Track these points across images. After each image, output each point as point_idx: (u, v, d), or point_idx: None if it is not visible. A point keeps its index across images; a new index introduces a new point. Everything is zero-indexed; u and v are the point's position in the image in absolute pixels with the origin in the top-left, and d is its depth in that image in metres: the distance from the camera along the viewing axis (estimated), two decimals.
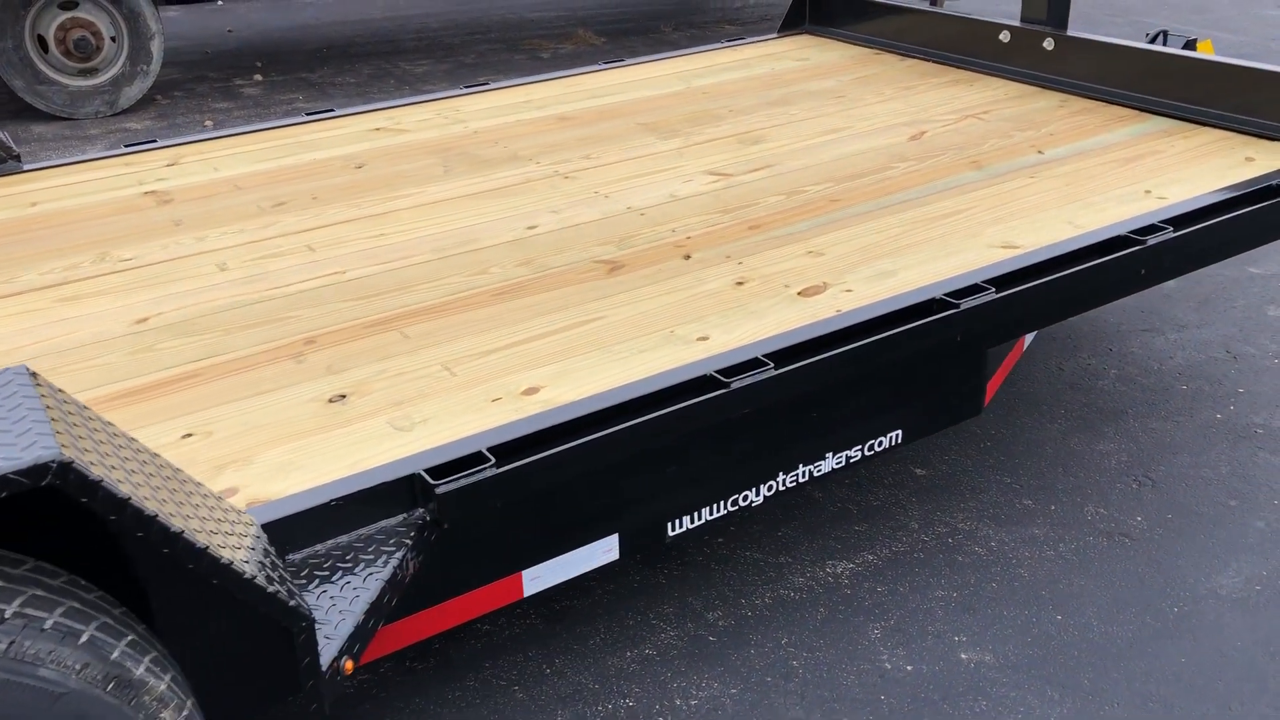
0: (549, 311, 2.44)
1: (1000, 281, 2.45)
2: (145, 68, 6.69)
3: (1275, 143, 3.26)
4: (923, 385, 2.53)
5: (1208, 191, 2.90)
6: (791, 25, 4.87)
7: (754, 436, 2.28)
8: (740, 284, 2.53)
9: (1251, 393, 3.53)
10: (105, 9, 6.48)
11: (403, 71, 7.89)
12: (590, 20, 9.37)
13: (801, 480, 2.41)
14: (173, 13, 9.69)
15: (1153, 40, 4.43)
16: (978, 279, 2.46)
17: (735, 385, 2.09)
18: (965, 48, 4.20)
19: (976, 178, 3.11)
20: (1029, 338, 2.92)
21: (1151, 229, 2.67)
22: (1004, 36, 4.04)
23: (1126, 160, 3.20)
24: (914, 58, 4.36)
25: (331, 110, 3.94)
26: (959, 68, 4.19)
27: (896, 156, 3.30)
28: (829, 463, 2.43)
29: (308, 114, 3.91)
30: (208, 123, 6.57)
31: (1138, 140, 3.37)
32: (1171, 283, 4.35)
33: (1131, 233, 2.65)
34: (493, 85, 4.19)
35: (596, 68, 4.41)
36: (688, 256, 2.69)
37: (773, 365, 2.14)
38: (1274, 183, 2.91)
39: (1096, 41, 3.78)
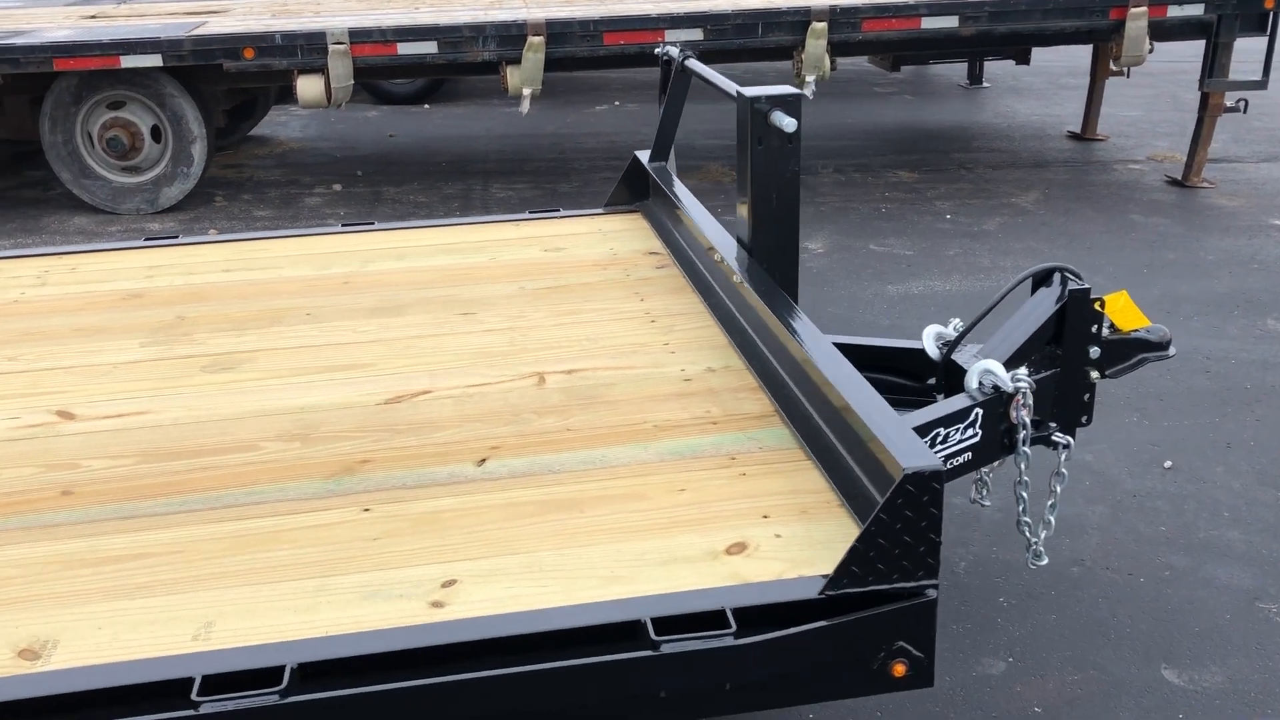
0: None
1: None
2: (186, 169, 6.70)
3: (838, 514, 1.80)
4: None
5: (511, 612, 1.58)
6: (634, 198, 3.76)
7: None
8: None
9: None
10: (151, 110, 6.57)
11: (488, 193, 7.40)
12: None
13: None
14: (373, 113, 10.05)
15: (1041, 280, 2.85)
16: None
17: None
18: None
19: (248, 498, 1.96)
20: None
21: None
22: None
23: (564, 505, 1.90)
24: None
25: None
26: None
27: (287, 434, 2.19)
28: None
29: None
30: (212, 231, 6.44)
31: (664, 465, 2.02)
32: None
33: None
34: (135, 244, 3.50)
35: (298, 232, 3.58)
36: None
37: None
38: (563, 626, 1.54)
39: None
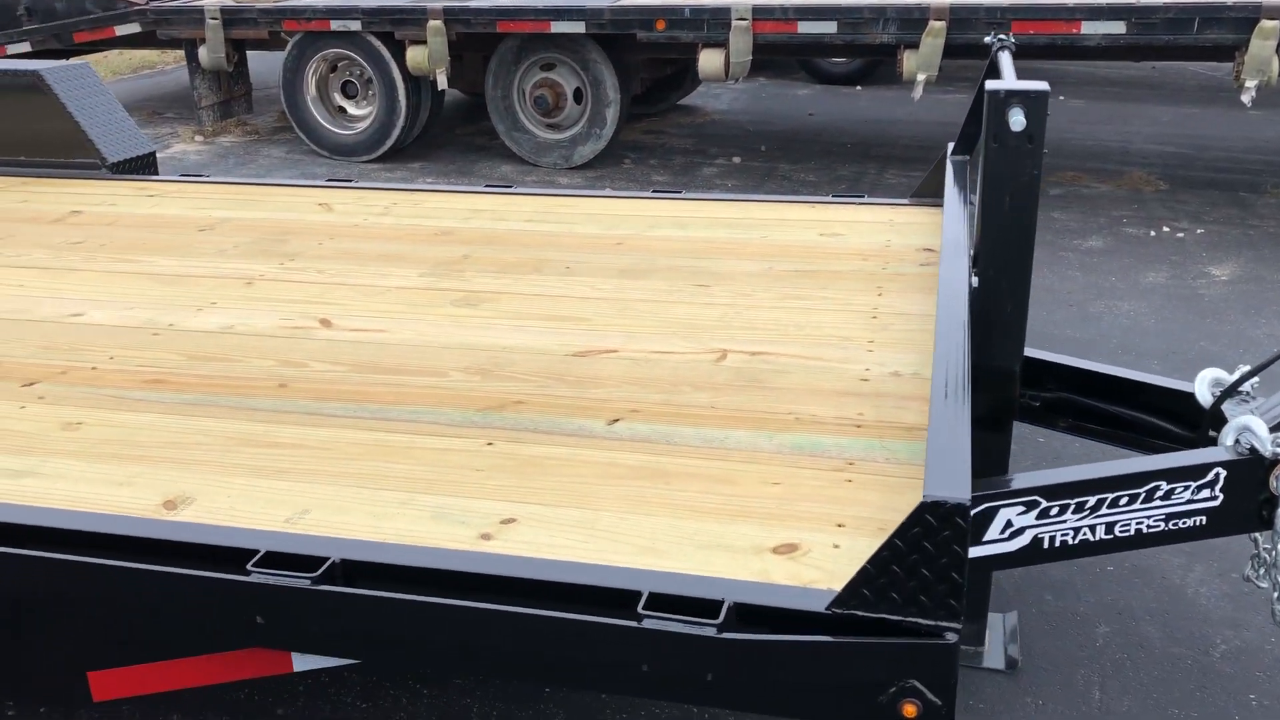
0: None
1: None
2: (599, 131, 7.23)
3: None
4: None
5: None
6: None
7: None
8: None
9: None
10: (577, 74, 7.15)
11: (880, 179, 7.28)
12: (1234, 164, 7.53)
13: None
14: (804, 91, 10.22)
15: None
16: None
17: None
18: None
19: (408, 415, 2.15)
20: (302, 659, 1.96)
21: None
22: None
23: (655, 474, 1.92)
24: None
25: (351, 181, 4.07)
26: None
27: (474, 368, 2.39)
28: None
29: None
30: (608, 189, 6.90)
31: (777, 457, 1.98)
32: None
33: None
34: (503, 189, 3.87)
35: (603, 194, 3.81)
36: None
37: None
38: None
39: None
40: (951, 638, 1.48)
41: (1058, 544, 2.25)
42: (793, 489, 1.89)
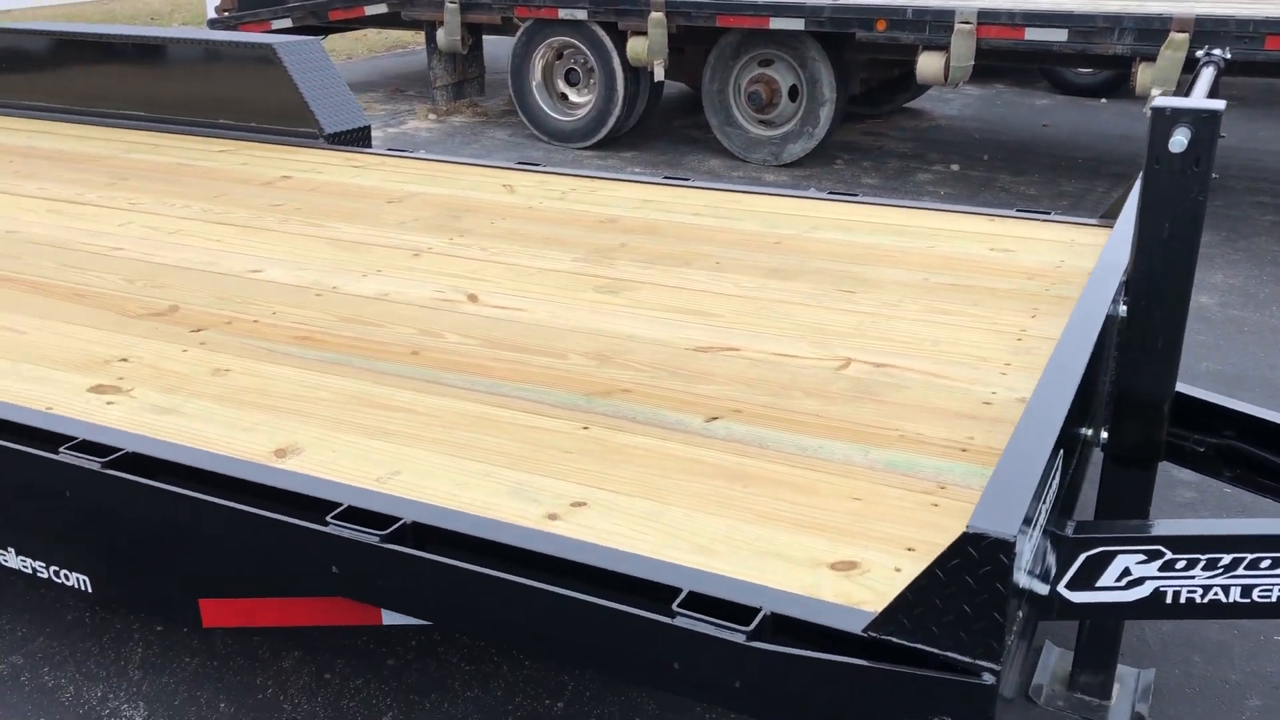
0: None
1: None
2: (812, 130, 7.14)
3: None
4: (118, 540, 2.13)
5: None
6: None
7: None
8: None
9: None
10: (794, 71, 7.09)
11: (1109, 196, 6.87)
12: None
13: None
14: (1043, 101, 9.75)
15: None
16: None
17: None
18: None
19: (517, 392, 2.18)
20: (390, 614, 2.05)
21: None
22: None
23: (737, 476, 1.89)
24: None
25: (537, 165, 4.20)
26: None
27: (595, 353, 2.43)
28: (12, 559, 2.27)
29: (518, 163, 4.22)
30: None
31: (867, 473, 1.91)
32: None
33: None
34: (659, 180, 3.90)
35: (781, 192, 3.76)
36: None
37: None
38: None
39: None
40: (989, 679, 1.40)
41: (1183, 600, 2.08)
42: (872, 506, 1.82)
